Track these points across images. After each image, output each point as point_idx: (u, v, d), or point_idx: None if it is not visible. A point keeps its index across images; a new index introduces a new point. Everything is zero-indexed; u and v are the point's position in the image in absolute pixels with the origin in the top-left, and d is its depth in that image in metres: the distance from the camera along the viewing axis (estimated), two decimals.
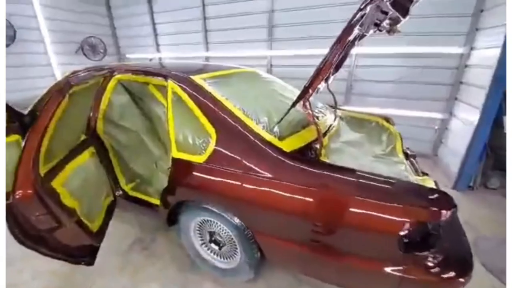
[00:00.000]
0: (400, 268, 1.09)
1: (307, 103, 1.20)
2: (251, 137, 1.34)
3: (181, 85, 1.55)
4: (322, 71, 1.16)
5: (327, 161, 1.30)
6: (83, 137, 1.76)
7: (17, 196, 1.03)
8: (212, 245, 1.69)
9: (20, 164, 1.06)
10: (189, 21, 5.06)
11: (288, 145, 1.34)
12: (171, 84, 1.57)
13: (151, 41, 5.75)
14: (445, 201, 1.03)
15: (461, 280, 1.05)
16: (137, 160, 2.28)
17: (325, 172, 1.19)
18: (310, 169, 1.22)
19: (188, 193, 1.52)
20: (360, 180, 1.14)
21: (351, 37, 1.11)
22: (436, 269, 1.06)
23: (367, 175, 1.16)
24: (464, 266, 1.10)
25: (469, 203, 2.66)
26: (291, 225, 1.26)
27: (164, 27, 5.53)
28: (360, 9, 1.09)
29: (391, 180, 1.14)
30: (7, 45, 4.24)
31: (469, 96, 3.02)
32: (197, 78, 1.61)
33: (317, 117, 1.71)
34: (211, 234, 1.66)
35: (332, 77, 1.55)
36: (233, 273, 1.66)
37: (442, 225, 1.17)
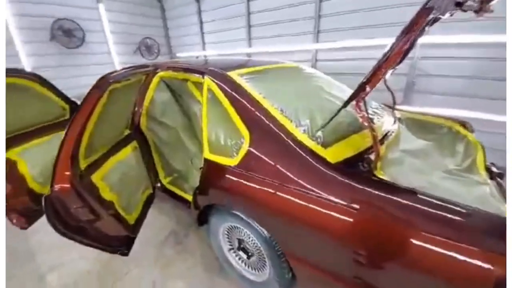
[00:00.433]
0: None
1: (362, 103, 0.98)
2: (289, 142, 1.17)
3: (217, 81, 1.47)
4: (386, 64, 0.91)
5: (385, 177, 1.03)
6: (127, 132, 1.84)
7: (55, 189, 1.08)
8: (241, 252, 1.59)
9: (58, 159, 1.12)
10: (233, 18, 5.07)
11: (333, 154, 1.12)
12: (207, 81, 1.51)
13: (198, 40, 5.95)
14: None
15: None
16: (175, 156, 2.32)
17: (382, 194, 0.95)
18: (361, 186, 0.98)
19: (218, 197, 1.44)
20: (431, 210, 0.86)
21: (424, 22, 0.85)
22: None
23: (440, 203, 0.88)
24: None
25: None
26: (331, 254, 1.05)
27: (210, 25, 5.66)
28: None
29: (478, 212, 0.84)
30: (77, 46, 4.82)
31: None
32: (234, 74, 1.51)
33: (372, 120, 1.41)
34: (240, 241, 1.56)
35: (390, 71, 1.26)
36: (262, 287, 1.54)
37: None
